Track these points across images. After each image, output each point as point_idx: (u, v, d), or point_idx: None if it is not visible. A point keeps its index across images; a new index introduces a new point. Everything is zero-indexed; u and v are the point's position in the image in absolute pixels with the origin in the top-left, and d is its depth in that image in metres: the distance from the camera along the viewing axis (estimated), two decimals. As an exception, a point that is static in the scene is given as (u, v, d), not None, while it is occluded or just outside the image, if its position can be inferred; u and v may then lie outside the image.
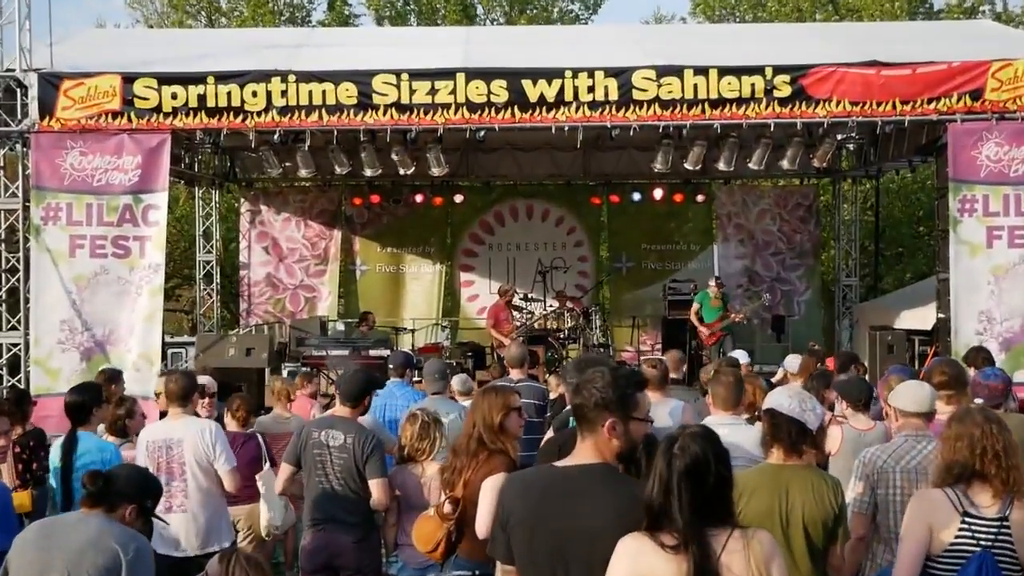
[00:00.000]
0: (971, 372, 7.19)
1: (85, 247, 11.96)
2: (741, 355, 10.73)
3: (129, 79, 11.95)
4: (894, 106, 12.06)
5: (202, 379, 7.91)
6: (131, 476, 4.52)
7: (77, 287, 11.91)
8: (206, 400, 7.82)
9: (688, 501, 3.10)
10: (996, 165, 11.97)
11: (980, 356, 8.29)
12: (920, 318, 15.48)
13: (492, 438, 5.24)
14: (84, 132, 11.89)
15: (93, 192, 11.94)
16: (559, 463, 3.59)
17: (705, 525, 3.10)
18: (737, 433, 5.43)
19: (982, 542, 4.02)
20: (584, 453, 3.47)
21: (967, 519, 4.05)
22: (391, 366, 8.93)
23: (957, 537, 4.04)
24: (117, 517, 4.20)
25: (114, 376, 9.20)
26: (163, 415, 7.95)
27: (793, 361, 9.98)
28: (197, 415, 7.02)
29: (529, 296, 16.66)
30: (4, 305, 12.62)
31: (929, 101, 12.04)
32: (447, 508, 5.19)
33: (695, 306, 15.43)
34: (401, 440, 6.23)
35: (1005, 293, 11.95)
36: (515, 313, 16.01)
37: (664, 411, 6.23)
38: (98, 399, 6.88)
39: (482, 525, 4.81)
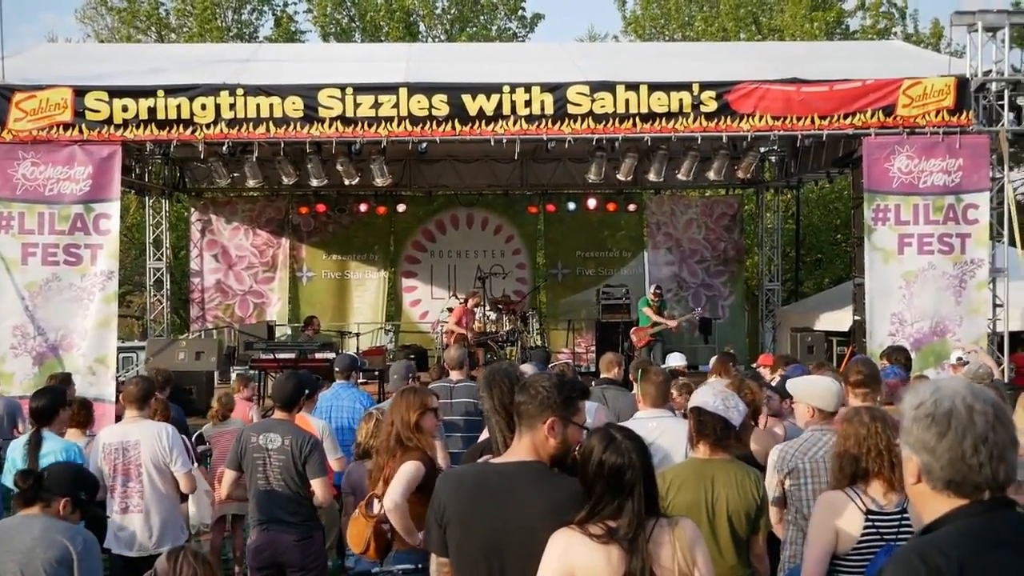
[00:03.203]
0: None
1: (37, 255, 11.97)
2: (679, 358, 10.96)
3: (80, 92, 12.00)
4: (813, 121, 12.42)
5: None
6: (61, 472, 4.54)
7: (29, 293, 11.93)
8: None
9: (616, 492, 3.21)
10: (907, 177, 12.42)
11: (897, 355, 8.68)
12: (838, 320, 16.04)
13: (409, 435, 5.17)
14: (36, 143, 11.92)
15: (45, 201, 11.95)
16: (494, 460, 3.64)
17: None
18: (664, 426, 5.67)
19: (886, 536, 4.11)
20: (520, 451, 3.50)
21: (870, 516, 4.15)
22: (337, 369, 9.04)
23: (863, 535, 4.13)
24: (52, 512, 4.24)
25: (64, 380, 9.32)
26: (119, 419, 8.18)
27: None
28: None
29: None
30: (-42, 311, 12.50)
31: (845, 116, 12.42)
32: (371, 508, 5.15)
33: (645, 309, 15.76)
34: (357, 437, 6.32)
35: (915, 297, 12.41)
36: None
37: None
38: (62, 401, 6.99)
39: (388, 499, 4.91)
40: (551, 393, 3.46)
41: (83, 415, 7.41)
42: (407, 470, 4.98)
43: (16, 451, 6.51)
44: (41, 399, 6.82)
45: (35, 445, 6.41)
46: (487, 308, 16.62)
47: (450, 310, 16.64)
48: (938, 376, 10.12)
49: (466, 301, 16.22)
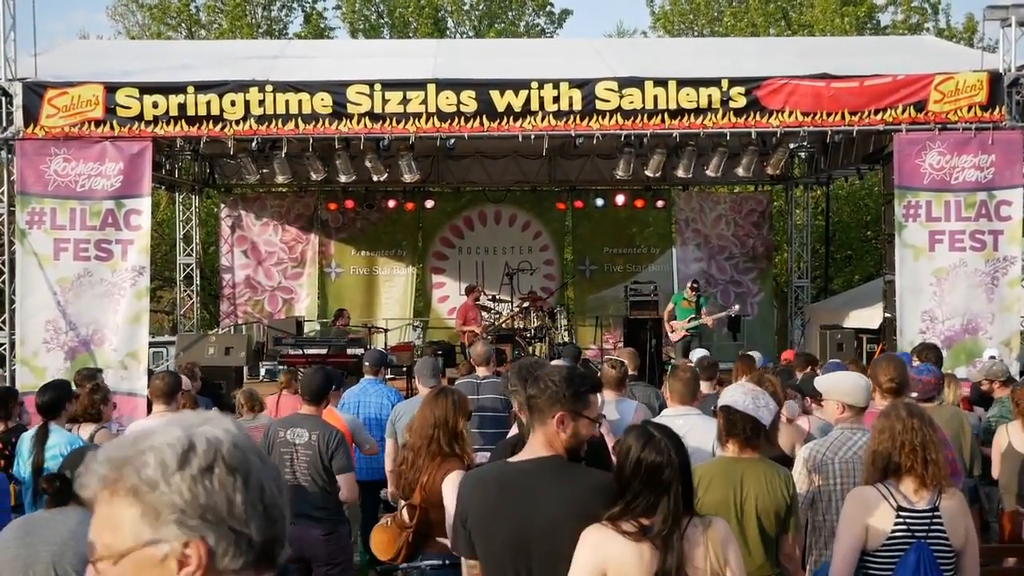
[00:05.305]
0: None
1: (69, 250, 12.00)
2: (702, 355, 10.86)
3: (111, 88, 12.01)
4: (843, 117, 12.26)
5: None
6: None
7: (61, 289, 11.97)
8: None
9: (652, 490, 3.21)
10: (938, 173, 12.26)
11: (927, 353, 8.68)
12: (868, 318, 15.89)
13: (449, 442, 5.06)
14: (68, 139, 11.92)
15: (76, 197, 11.97)
16: (512, 459, 3.65)
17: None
18: (692, 424, 5.66)
19: (917, 534, 4.12)
20: (536, 447, 3.50)
21: (901, 513, 4.14)
22: (366, 364, 9.10)
23: (893, 531, 4.13)
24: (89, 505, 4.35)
25: (92, 375, 9.29)
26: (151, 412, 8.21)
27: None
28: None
29: (497, 297, 16.94)
30: (-10, 306, 12.65)
31: (876, 112, 12.25)
32: (405, 516, 5.05)
33: (669, 306, 15.59)
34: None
35: (946, 294, 12.25)
36: (483, 313, 16.31)
37: (620, 409, 6.33)
38: (68, 394, 6.97)
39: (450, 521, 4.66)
40: (560, 387, 3.45)
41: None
42: (452, 484, 4.79)
43: (23, 444, 6.52)
44: (46, 394, 6.81)
45: (42, 439, 6.42)
46: (513, 304, 16.63)
47: (486, 309, 16.65)
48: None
49: (468, 294, 16.23)
